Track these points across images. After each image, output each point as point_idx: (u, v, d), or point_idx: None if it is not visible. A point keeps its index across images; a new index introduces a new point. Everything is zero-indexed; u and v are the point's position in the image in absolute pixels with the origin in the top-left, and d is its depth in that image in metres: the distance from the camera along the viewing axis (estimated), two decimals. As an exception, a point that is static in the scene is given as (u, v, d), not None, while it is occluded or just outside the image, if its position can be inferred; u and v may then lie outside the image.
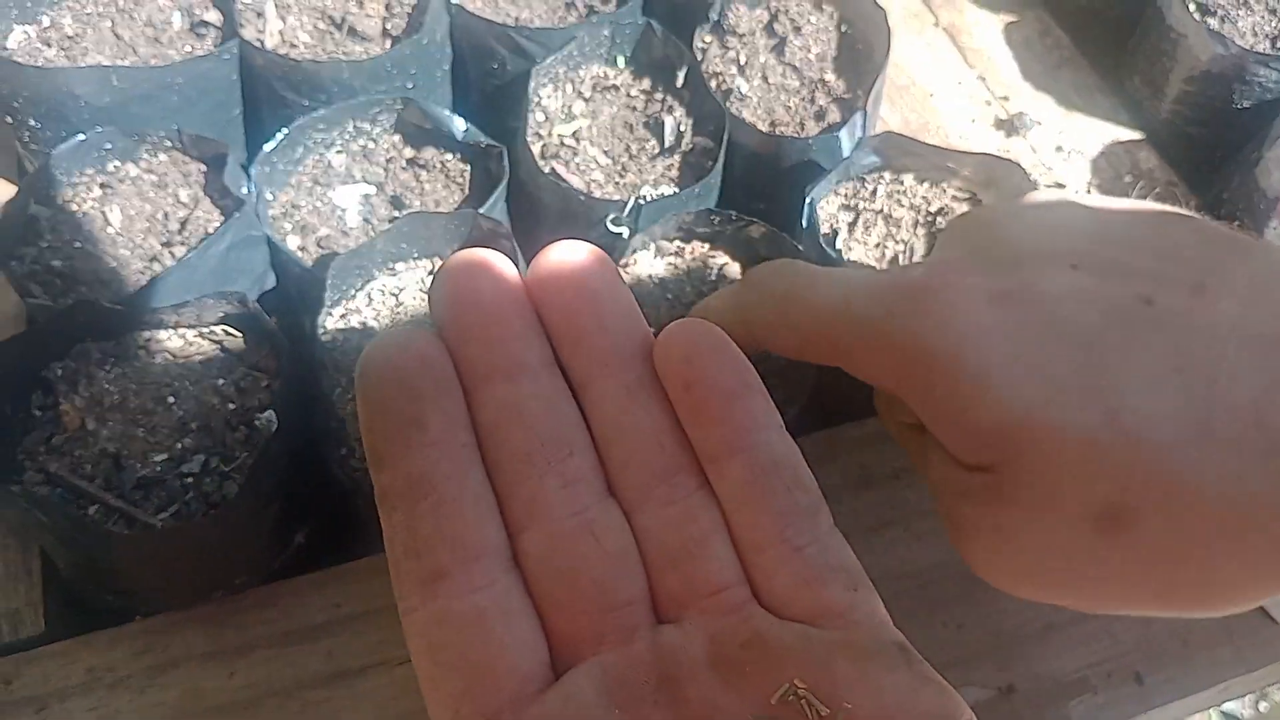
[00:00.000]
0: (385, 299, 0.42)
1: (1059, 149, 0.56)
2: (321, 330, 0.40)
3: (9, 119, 0.46)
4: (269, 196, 0.45)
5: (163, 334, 0.40)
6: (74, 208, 0.43)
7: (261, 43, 0.47)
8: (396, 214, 0.45)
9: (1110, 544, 0.25)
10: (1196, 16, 0.53)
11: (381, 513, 0.25)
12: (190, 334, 0.40)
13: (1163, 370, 0.25)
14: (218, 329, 0.40)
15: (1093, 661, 0.40)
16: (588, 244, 0.27)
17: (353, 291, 0.42)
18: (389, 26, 0.49)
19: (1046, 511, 0.26)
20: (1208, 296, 0.26)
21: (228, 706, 0.37)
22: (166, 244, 0.43)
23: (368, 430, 0.25)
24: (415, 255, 0.43)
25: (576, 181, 0.46)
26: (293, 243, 0.44)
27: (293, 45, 0.48)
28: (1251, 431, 0.24)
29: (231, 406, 0.38)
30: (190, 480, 0.37)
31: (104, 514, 0.36)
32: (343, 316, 0.41)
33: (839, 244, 0.45)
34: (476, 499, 0.25)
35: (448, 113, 0.46)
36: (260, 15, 0.48)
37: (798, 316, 0.30)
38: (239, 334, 0.40)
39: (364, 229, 0.45)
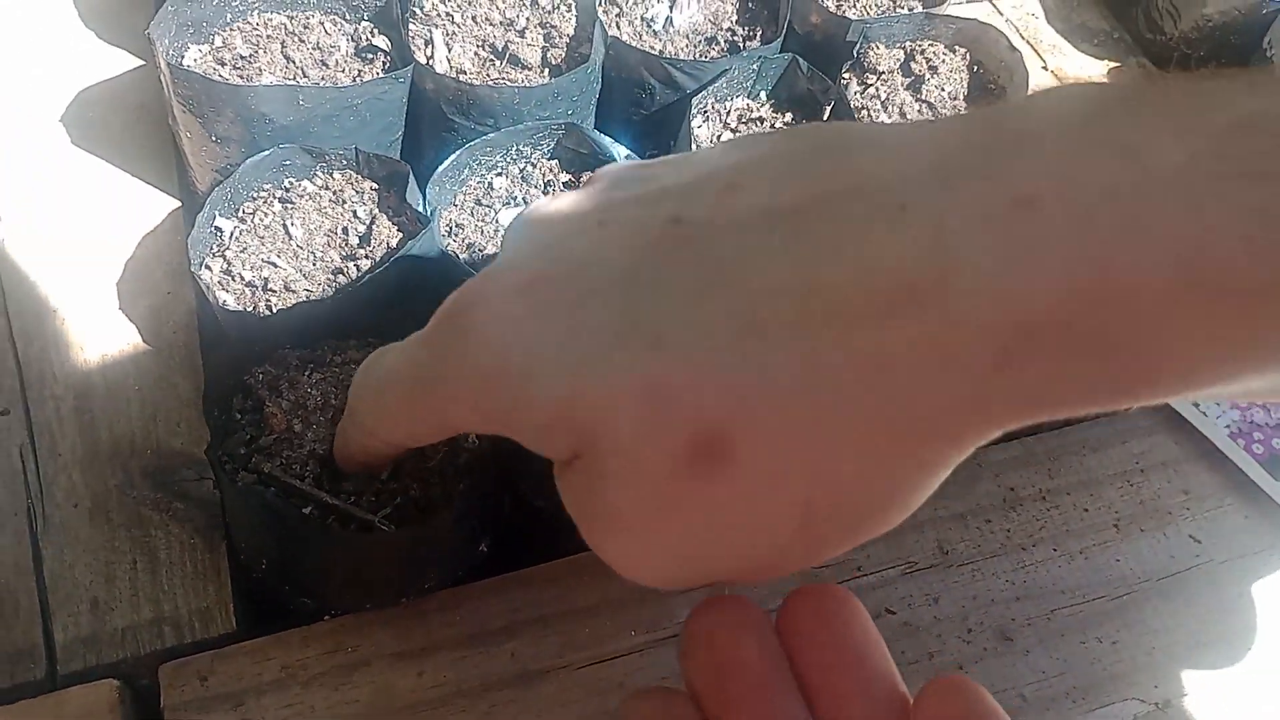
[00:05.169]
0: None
1: (1167, 190, 0.58)
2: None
3: (187, 134, 0.47)
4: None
5: (355, 341, 0.41)
6: (257, 220, 0.45)
7: (431, 68, 0.48)
8: (559, 235, 0.47)
9: (707, 479, 0.23)
10: (1306, 67, 0.56)
11: None
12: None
13: (698, 283, 0.23)
14: (411, 340, 0.42)
15: (1244, 680, 0.41)
16: (840, 589, 0.27)
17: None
18: (549, 56, 0.51)
19: (634, 469, 0.23)
20: (735, 194, 0.24)
21: (419, 705, 0.38)
22: (349, 257, 0.44)
23: None
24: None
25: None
26: (463, 260, 0.46)
27: (461, 72, 0.50)
28: (806, 304, 0.22)
29: (429, 414, 0.40)
30: (395, 485, 0.38)
31: (320, 513, 0.37)
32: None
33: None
34: None
35: (608, 139, 0.48)
36: (429, 43, 0.50)
37: (391, 402, 0.30)
38: (432, 345, 0.42)
39: (528, 248, 0.47)
